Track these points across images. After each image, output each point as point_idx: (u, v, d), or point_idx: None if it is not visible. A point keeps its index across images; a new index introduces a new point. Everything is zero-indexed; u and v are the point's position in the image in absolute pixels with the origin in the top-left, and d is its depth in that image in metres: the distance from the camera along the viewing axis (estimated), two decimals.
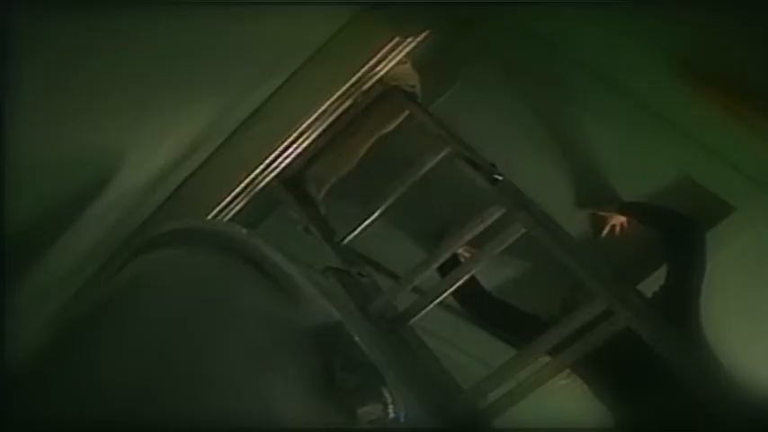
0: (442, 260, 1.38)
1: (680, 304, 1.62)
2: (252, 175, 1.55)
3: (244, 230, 0.96)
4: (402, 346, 1.25)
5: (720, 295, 1.69)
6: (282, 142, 1.52)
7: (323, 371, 0.79)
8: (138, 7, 0.70)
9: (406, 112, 1.65)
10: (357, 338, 0.85)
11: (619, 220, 1.95)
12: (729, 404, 1.15)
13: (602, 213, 1.95)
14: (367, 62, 1.44)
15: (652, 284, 1.74)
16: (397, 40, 1.43)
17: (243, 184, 1.56)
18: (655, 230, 1.84)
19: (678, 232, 1.77)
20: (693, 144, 1.72)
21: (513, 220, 1.29)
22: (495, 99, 1.83)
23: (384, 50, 1.44)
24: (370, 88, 1.54)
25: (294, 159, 1.59)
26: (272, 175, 1.59)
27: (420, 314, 1.32)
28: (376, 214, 1.52)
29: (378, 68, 1.48)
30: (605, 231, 1.96)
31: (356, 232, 1.53)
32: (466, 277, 1.33)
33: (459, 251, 1.68)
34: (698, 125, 1.68)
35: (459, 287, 1.35)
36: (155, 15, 0.74)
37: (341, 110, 1.53)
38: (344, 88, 1.47)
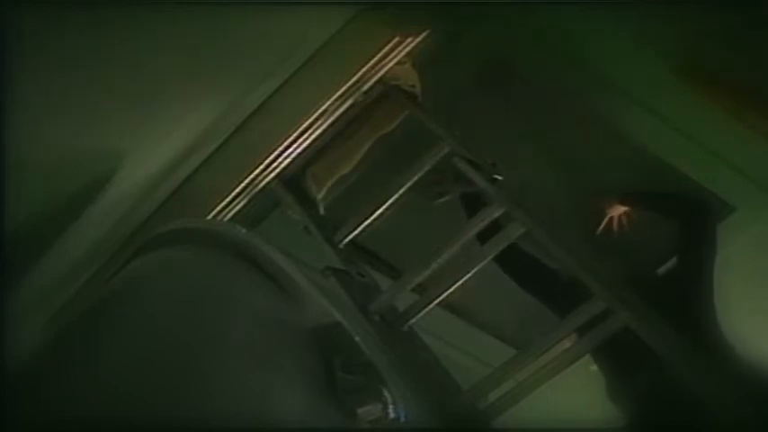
0: (441, 261, 1.38)
1: (692, 287, 1.62)
2: (252, 175, 1.55)
3: (244, 230, 0.96)
4: (402, 346, 1.25)
5: (720, 295, 1.69)
6: (282, 142, 1.52)
7: (323, 371, 0.79)
8: (137, 7, 0.70)
9: (406, 112, 1.65)
10: (357, 338, 0.85)
11: (618, 211, 1.94)
12: (733, 407, 1.14)
13: (602, 206, 1.95)
14: (367, 62, 1.44)
15: None
16: (397, 40, 1.43)
17: (243, 184, 1.56)
18: (660, 216, 1.84)
19: (685, 214, 1.77)
20: (694, 144, 1.72)
21: (513, 219, 1.29)
22: (495, 99, 1.83)
23: (384, 50, 1.44)
24: (370, 88, 1.54)
25: (294, 159, 1.59)
26: (272, 175, 1.60)
27: (420, 314, 1.32)
28: (376, 214, 1.52)
29: (378, 68, 1.48)
30: (603, 224, 1.95)
31: (356, 232, 1.53)
32: (465, 278, 1.33)
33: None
34: (699, 126, 1.69)
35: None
36: (154, 15, 0.74)
37: (341, 110, 1.53)
38: (344, 88, 1.47)
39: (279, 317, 0.86)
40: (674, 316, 1.18)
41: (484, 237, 1.37)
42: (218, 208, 1.56)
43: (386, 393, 0.79)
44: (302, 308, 0.88)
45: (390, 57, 1.46)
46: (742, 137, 1.62)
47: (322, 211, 1.71)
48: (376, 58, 1.44)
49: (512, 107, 1.86)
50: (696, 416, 1.41)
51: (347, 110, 1.55)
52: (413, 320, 1.32)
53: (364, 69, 1.45)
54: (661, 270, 1.92)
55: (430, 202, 1.85)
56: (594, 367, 1.75)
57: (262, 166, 1.54)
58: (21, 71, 0.62)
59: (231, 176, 1.53)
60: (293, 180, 1.70)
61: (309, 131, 1.53)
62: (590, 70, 1.68)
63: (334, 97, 1.48)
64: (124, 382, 0.68)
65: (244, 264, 0.91)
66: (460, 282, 1.33)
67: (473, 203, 1.80)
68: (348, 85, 1.46)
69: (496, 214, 1.32)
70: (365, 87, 1.52)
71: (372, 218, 1.52)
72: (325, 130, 1.56)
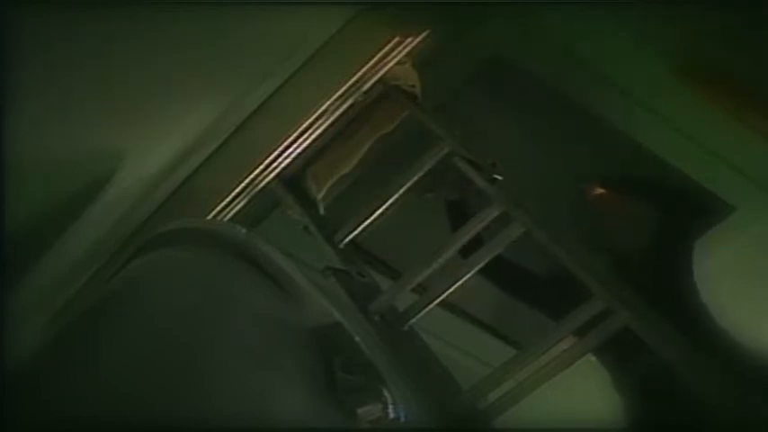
0: (442, 260, 1.38)
1: (682, 280, 1.64)
2: (252, 175, 1.55)
3: (244, 230, 0.96)
4: (402, 346, 1.25)
5: (719, 295, 1.69)
6: (282, 142, 1.52)
7: (323, 371, 0.79)
8: (137, 7, 0.70)
9: (406, 112, 1.65)
10: (357, 338, 0.85)
11: (599, 191, 1.94)
12: (733, 407, 1.14)
13: (585, 189, 1.94)
14: (367, 62, 1.44)
15: None
16: (397, 40, 1.43)
17: (243, 184, 1.56)
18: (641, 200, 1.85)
19: (685, 213, 1.79)
20: (694, 144, 1.72)
21: (513, 219, 1.29)
22: (495, 99, 1.83)
23: (384, 50, 1.44)
24: (370, 88, 1.54)
25: (294, 159, 1.59)
26: (272, 175, 1.59)
27: (420, 314, 1.32)
28: (376, 214, 1.52)
29: (378, 68, 1.48)
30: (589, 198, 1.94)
31: (356, 232, 1.53)
32: (465, 278, 1.33)
33: None
34: (699, 126, 1.69)
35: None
36: (154, 15, 0.74)
37: (341, 110, 1.53)
38: (344, 88, 1.47)
39: (279, 317, 0.86)
40: (670, 312, 1.18)
41: (466, 252, 1.39)
42: (218, 208, 1.56)
43: (386, 393, 0.79)
44: (302, 308, 0.88)
45: (390, 57, 1.46)
46: (742, 137, 1.62)
47: (322, 211, 1.71)
48: (376, 58, 1.44)
49: (512, 107, 1.85)
50: (698, 407, 1.42)
51: (347, 110, 1.55)
52: (413, 320, 1.32)
53: (364, 69, 1.45)
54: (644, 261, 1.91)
55: (421, 197, 1.86)
56: (593, 358, 1.76)
57: (262, 166, 1.54)
58: (21, 71, 0.62)
59: (231, 176, 1.53)
60: (293, 180, 1.70)
61: (309, 131, 1.53)
62: (590, 70, 1.68)
63: (335, 97, 1.48)
64: (124, 382, 0.68)
65: (244, 264, 0.91)
66: (460, 282, 1.33)
67: (457, 212, 1.82)
68: (348, 85, 1.46)
69: (496, 214, 1.32)
70: (365, 87, 1.52)
71: (372, 218, 1.52)
72: (325, 130, 1.56)
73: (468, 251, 1.37)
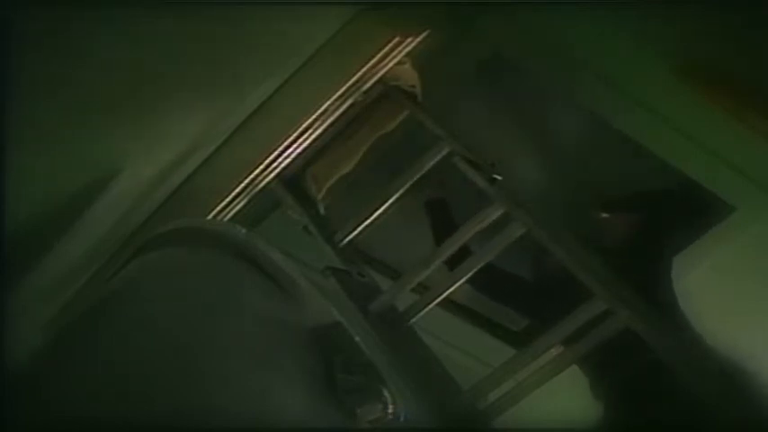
0: (442, 259, 1.38)
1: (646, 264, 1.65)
2: (252, 175, 1.55)
3: (244, 230, 0.96)
4: (402, 346, 1.25)
5: (719, 296, 1.69)
6: (282, 142, 1.52)
7: (323, 371, 0.79)
8: (137, 8, 0.70)
9: (406, 112, 1.65)
10: (357, 338, 0.85)
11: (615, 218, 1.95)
12: (728, 406, 1.15)
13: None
14: (367, 62, 1.44)
15: None
16: (397, 40, 1.43)
17: (243, 184, 1.56)
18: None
19: (686, 212, 1.81)
20: (694, 144, 1.72)
21: (513, 219, 1.29)
22: (495, 99, 1.83)
23: (384, 50, 1.44)
24: (370, 88, 1.54)
25: (294, 159, 1.59)
26: (272, 175, 1.60)
27: (420, 314, 1.32)
28: (376, 214, 1.52)
29: (378, 68, 1.48)
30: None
31: (356, 232, 1.53)
32: (465, 278, 1.33)
33: None
34: (699, 126, 1.69)
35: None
36: (155, 16, 0.74)
37: (341, 110, 1.53)
38: (344, 88, 1.47)
39: (279, 317, 0.86)
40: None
41: (453, 263, 1.39)
42: (218, 208, 1.56)
43: (386, 393, 0.79)
44: (302, 308, 0.88)
45: (390, 57, 1.46)
46: (742, 137, 1.62)
47: (322, 211, 1.72)
48: (376, 58, 1.44)
49: (512, 107, 1.86)
50: (679, 408, 1.42)
51: (347, 110, 1.55)
52: (413, 320, 1.32)
53: (364, 69, 1.45)
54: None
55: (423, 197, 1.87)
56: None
57: (262, 166, 1.54)
58: (21, 71, 0.62)
59: (231, 176, 1.53)
60: (293, 180, 1.70)
61: (309, 131, 1.53)
62: (590, 70, 1.68)
63: (334, 97, 1.48)
64: (124, 382, 0.68)
65: (244, 264, 0.91)
66: (460, 282, 1.33)
67: (438, 211, 1.83)
68: (348, 85, 1.46)
69: (496, 214, 1.32)
70: (365, 87, 1.52)
71: (372, 218, 1.52)
72: (325, 130, 1.56)
73: (454, 261, 1.39)
